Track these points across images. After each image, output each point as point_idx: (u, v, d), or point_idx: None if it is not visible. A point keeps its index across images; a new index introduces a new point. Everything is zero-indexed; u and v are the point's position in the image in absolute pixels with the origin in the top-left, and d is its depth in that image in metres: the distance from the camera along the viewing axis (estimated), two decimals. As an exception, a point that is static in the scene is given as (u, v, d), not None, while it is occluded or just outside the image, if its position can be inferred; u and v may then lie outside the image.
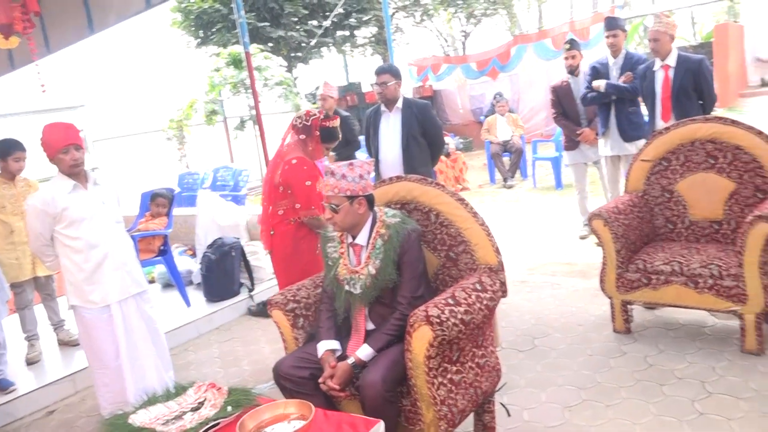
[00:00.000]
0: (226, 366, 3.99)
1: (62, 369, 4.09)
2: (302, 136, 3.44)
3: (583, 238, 5.59)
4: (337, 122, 3.49)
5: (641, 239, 3.60)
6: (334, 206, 2.49)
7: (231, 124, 11.51)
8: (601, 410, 2.78)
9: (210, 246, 5.04)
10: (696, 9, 20.56)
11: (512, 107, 10.82)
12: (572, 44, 5.51)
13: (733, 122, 3.42)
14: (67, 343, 4.44)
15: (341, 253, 2.63)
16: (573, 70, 5.45)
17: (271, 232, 3.50)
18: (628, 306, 3.51)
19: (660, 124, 4.29)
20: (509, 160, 9.26)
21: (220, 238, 5.06)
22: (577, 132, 5.45)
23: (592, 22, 12.91)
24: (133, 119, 11.89)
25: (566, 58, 5.50)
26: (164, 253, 4.89)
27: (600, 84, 4.87)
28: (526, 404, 2.93)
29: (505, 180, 9.09)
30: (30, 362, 4.20)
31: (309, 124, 3.40)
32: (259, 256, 5.27)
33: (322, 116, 3.42)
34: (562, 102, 5.59)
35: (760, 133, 3.31)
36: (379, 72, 4.11)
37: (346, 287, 2.57)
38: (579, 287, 4.37)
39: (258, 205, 9.74)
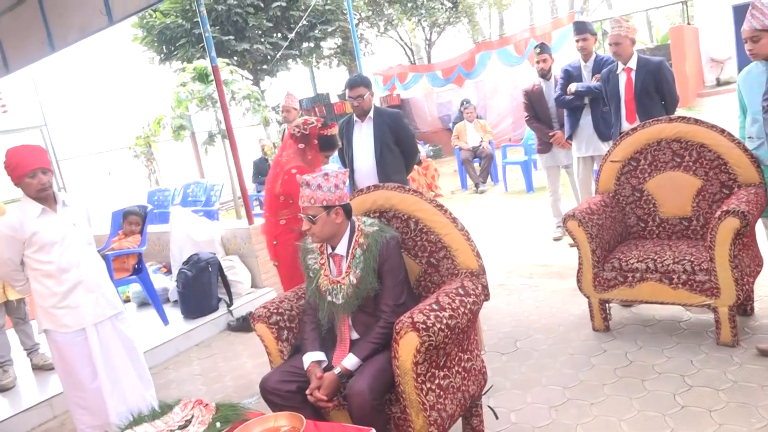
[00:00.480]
0: (208, 383, 3.94)
1: (39, 394, 3.98)
2: (301, 145, 3.49)
3: (557, 239, 5.67)
4: (335, 130, 3.54)
5: (615, 238, 3.68)
6: (311, 217, 2.49)
7: (199, 139, 11.40)
8: (586, 408, 2.83)
9: (186, 262, 4.98)
10: (651, 12, 21.18)
11: (479, 113, 10.95)
12: (543, 48, 5.58)
13: (697, 121, 3.52)
14: (41, 368, 4.33)
15: (322, 264, 2.63)
16: (545, 74, 5.50)
17: (274, 242, 3.57)
18: (606, 304, 3.58)
19: (625, 125, 4.39)
20: (479, 166, 9.37)
21: (196, 254, 5.00)
22: (550, 134, 5.53)
23: (553, 28, 13.17)
24: (98, 137, 11.69)
25: (537, 62, 5.55)
26: (139, 271, 4.81)
27: (571, 87, 4.96)
28: (513, 406, 2.96)
29: (476, 186, 9.19)
30: (3, 389, 4.08)
31: (307, 132, 3.46)
32: (237, 271, 5.22)
33: (319, 125, 3.47)
34: (534, 105, 5.64)
35: (722, 131, 3.42)
36: (354, 85, 4.09)
37: (329, 298, 2.58)
38: (557, 288, 4.44)
39: (231, 219, 9.68)
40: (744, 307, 3.44)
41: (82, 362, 3.06)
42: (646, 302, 3.42)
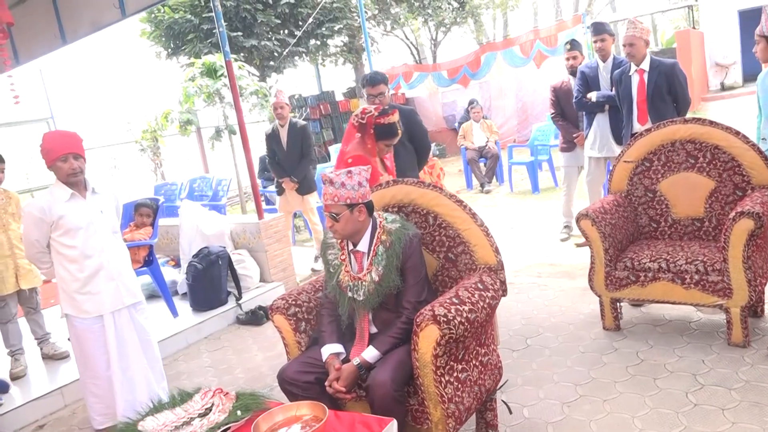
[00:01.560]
0: (219, 374, 3.96)
1: (49, 383, 4.00)
2: (358, 135, 3.41)
3: (563, 240, 5.67)
4: (394, 117, 3.32)
5: (627, 238, 3.70)
6: (334, 215, 2.50)
7: (205, 134, 11.42)
8: (599, 405, 2.85)
9: (196, 255, 5.00)
10: (656, 16, 21.22)
11: (485, 114, 10.98)
12: (573, 45, 5.48)
13: (711, 123, 3.55)
14: (51, 357, 4.35)
15: (342, 259, 2.65)
16: (574, 71, 5.37)
17: None
18: (617, 303, 3.60)
19: (637, 126, 4.43)
20: (485, 166, 9.39)
21: (206, 247, 5.02)
22: (574, 135, 5.47)
23: (558, 30, 13.19)
24: (104, 131, 11.70)
25: (567, 59, 5.47)
26: (150, 263, 4.83)
27: (591, 96, 4.95)
28: (526, 401, 2.98)
29: (482, 185, 9.20)
30: (15, 377, 4.10)
31: (364, 121, 3.32)
32: (246, 265, 5.24)
33: (377, 113, 3.29)
34: (561, 103, 5.57)
35: (737, 134, 3.44)
36: (375, 82, 4.05)
37: (349, 294, 2.59)
38: (565, 287, 4.47)
39: (236, 214, 9.70)
40: (755, 308, 3.46)
41: (99, 350, 3.10)
42: (658, 302, 3.44)
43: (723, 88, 17.02)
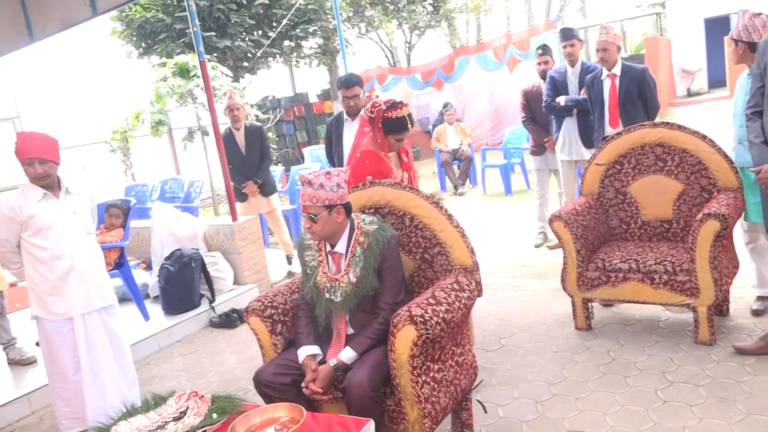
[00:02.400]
0: (192, 378, 3.92)
1: (15, 389, 3.90)
2: (366, 129, 3.32)
3: (537, 246, 5.67)
4: (404, 111, 3.15)
5: (598, 239, 3.77)
6: (312, 216, 2.50)
7: (176, 135, 11.26)
8: (571, 403, 2.90)
9: (168, 258, 4.93)
10: (625, 23, 21.65)
11: (459, 117, 11.07)
12: (545, 50, 5.56)
13: (680, 127, 3.64)
14: (18, 362, 4.24)
15: (320, 261, 2.65)
16: (545, 75, 5.42)
17: None
18: (589, 304, 3.67)
19: (609, 130, 4.51)
20: (459, 168, 9.46)
21: (178, 250, 4.96)
22: (545, 139, 5.53)
23: (530, 35, 13.37)
24: (72, 131, 11.47)
25: (539, 63, 5.54)
26: (121, 266, 4.75)
27: (560, 100, 5.04)
28: (500, 401, 3.02)
29: (455, 188, 9.27)
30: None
31: (373, 115, 3.20)
32: (219, 267, 5.19)
33: (386, 106, 3.15)
34: (532, 106, 5.62)
35: (704, 137, 3.54)
36: (350, 84, 4.08)
37: (327, 295, 2.59)
38: (538, 288, 4.53)
39: (209, 216, 9.60)
40: (720, 307, 3.55)
41: (67, 353, 3.05)
42: (628, 302, 3.52)
43: (689, 93, 17.44)
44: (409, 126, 3.16)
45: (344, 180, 2.55)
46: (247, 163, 5.77)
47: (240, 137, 5.77)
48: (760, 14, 3.05)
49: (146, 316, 4.81)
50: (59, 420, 3.16)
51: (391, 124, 3.14)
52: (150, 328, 4.66)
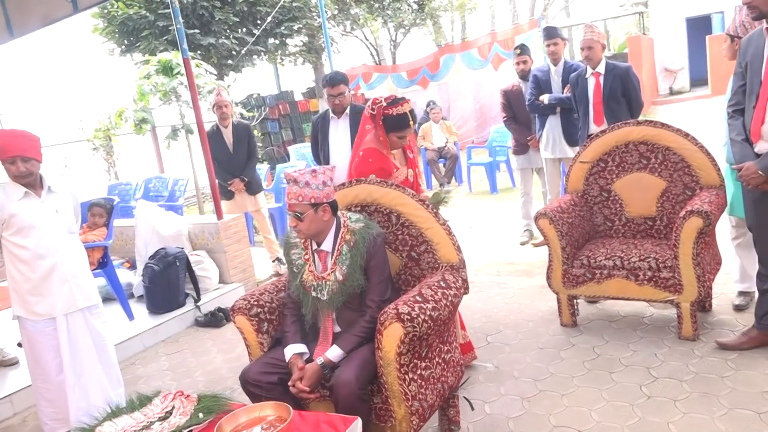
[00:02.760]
0: (178, 378, 3.89)
1: (-3, 391, 3.86)
2: (368, 126, 3.18)
3: (523, 244, 5.70)
4: (405, 108, 3.02)
5: (583, 237, 3.80)
6: (298, 214, 2.49)
7: (160, 133, 11.17)
8: (557, 399, 2.92)
9: (152, 257, 4.89)
10: (608, 22, 21.83)
11: (444, 115, 11.09)
12: (523, 49, 5.60)
13: (663, 125, 3.67)
14: (0, 364, 4.19)
15: (306, 259, 2.64)
16: (524, 75, 5.48)
17: None
18: (574, 300, 3.69)
19: (593, 128, 4.54)
20: (444, 166, 9.48)
21: (163, 249, 4.92)
22: (528, 138, 5.56)
23: (514, 33, 13.42)
24: (54, 129, 11.34)
25: (517, 63, 5.57)
26: (104, 265, 4.70)
27: (544, 98, 5.07)
28: (487, 398, 3.03)
29: (441, 185, 9.28)
30: None
31: (375, 112, 3.08)
32: (205, 266, 5.16)
33: (386, 103, 3.03)
34: (512, 106, 5.64)
35: (687, 135, 3.58)
36: (335, 82, 4.08)
37: (313, 293, 2.59)
38: (524, 285, 4.55)
39: (193, 214, 9.52)
40: (703, 303, 3.60)
41: (50, 353, 3.02)
42: (613, 298, 3.55)
43: (672, 92, 17.63)
44: (411, 123, 3.04)
45: (330, 178, 2.54)
46: (235, 160, 5.73)
47: (228, 134, 5.73)
48: None
49: (130, 316, 4.77)
50: (43, 421, 3.13)
51: (392, 122, 3.03)
52: (134, 328, 4.61)
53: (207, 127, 5.61)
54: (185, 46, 5.24)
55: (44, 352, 3.00)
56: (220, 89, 5.90)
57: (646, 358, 3.19)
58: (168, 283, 4.81)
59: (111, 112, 9.87)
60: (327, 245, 2.58)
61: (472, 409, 2.86)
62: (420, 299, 2.37)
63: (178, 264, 4.83)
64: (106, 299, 5.17)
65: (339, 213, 2.64)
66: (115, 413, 2.33)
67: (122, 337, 4.41)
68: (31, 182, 2.91)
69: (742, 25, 3.13)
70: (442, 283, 2.54)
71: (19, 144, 2.84)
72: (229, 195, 5.77)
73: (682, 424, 2.57)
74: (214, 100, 5.73)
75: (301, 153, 10.06)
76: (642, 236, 3.77)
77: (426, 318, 2.32)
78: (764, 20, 2.67)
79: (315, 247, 2.61)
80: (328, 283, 2.55)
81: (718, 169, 3.48)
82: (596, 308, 3.93)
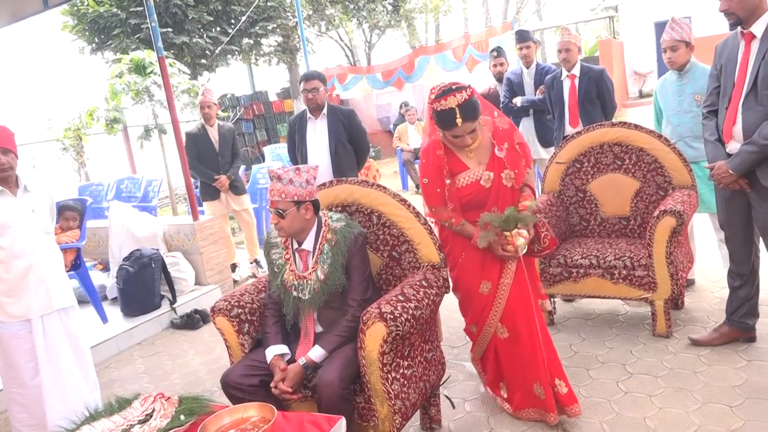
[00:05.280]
0: (155, 381, 3.83)
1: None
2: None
3: None
4: (450, 102, 2.49)
5: (559, 237, 3.84)
6: (280, 211, 2.49)
7: (132, 133, 10.99)
8: (536, 396, 2.95)
9: (127, 258, 4.81)
10: (580, 25, 22.18)
11: (420, 116, 11.14)
12: (499, 52, 5.68)
13: (637, 127, 3.75)
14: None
15: (287, 259, 2.63)
16: (501, 77, 5.54)
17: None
18: (551, 299, 3.74)
19: (569, 129, 4.61)
20: (420, 167, 9.52)
21: (137, 250, 4.85)
22: None
23: (488, 36, 13.55)
24: (21, 128, 11.06)
25: (494, 65, 5.64)
26: (77, 267, 4.61)
27: (516, 101, 5.14)
28: (467, 396, 3.05)
29: (417, 186, 9.33)
30: None
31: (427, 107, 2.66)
32: (180, 268, 5.09)
33: (434, 95, 2.56)
34: None
35: (659, 137, 3.66)
36: (309, 78, 4.13)
37: (294, 293, 2.58)
38: (501, 284, 4.59)
39: (166, 216, 9.40)
40: (676, 300, 3.68)
41: (25, 357, 2.94)
42: (589, 296, 3.61)
43: (641, 95, 17.96)
44: (458, 121, 2.48)
45: (313, 177, 2.54)
46: (221, 160, 5.71)
47: (214, 134, 5.71)
48: None
49: (104, 318, 4.69)
50: (15, 427, 3.05)
51: (439, 118, 2.58)
52: (108, 331, 4.54)
53: (183, 126, 5.56)
54: (160, 44, 5.18)
55: (18, 356, 2.93)
56: (208, 90, 5.88)
57: (621, 354, 3.25)
58: (143, 284, 4.74)
59: (81, 111, 9.67)
60: (308, 244, 2.58)
61: (453, 407, 2.89)
62: (402, 298, 2.38)
63: (153, 265, 4.76)
64: (79, 302, 5.02)
65: (320, 212, 2.63)
66: (93, 417, 2.29)
67: (96, 340, 4.33)
68: (8, 178, 2.84)
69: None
70: (423, 282, 2.56)
71: (0, 136, 2.78)
72: (215, 195, 5.71)
73: (658, 419, 2.63)
74: (200, 100, 5.72)
75: (276, 153, 10.01)
76: (617, 236, 3.85)
77: (409, 317, 2.33)
78: (739, 26, 2.75)
79: (296, 246, 2.61)
80: (309, 282, 2.54)
81: (690, 170, 3.57)
82: (573, 306, 3.99)
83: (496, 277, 2.68)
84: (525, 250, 2.63)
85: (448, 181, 2.64)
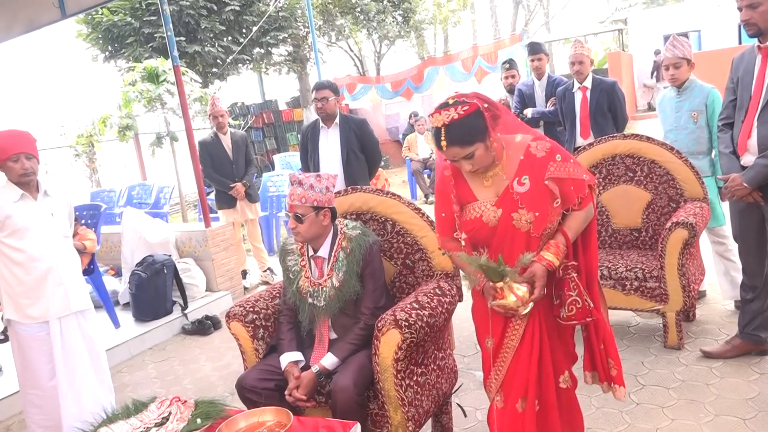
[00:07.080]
0: (166, 386, 3.86)
1: (-20, 399, 3.79)
2: None
3: None
4: (439, 120, 1.98)
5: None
6: (299, 216, 2.52)
7: (143, 141, 11.08)
8: (548, 406, 2.95)
9: (139, 264, 4.86)
10: (589, 38, 22.23)
11: (429, 126, 11.20)
12: (511, 64, 5.71)
13: (648, 139, 3.77)
14: (-17, 372, 4.12)
15: (302, 266, 2.66)
16: (512, 89, 5.56)
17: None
18: (562, 309, 3.74)
19: (580, 141, 4.63)
20: (429, 177, 9.55)
21: (150, 256, 4.89)
22: None
23: (496, 48, 13.62)
24: (35, 134, 11.17)
25: (506, 77, 5.67)
26: (91, 272, 4.65)
27: (527, 112, 5.17)
28: (478, 405, 3.06)
29: (426, 196, 9.36)
30: None
31: None
32: (192, 274, 5.14)
33: (451, 102, 2.00)
34: None
35: (671, 149, 3.67)
36: (319, 87, 4.18)
37: (309, 299, 2.61)
38: (511, 295, 4.60)
39: (177, 222, 9.46)
40: (688, 313, 3.68)
41: (42, 358, 2.98)
42: (600, 307, 3.60)
43: (650, 107, 17.96)
44: (443, 143, 1.97)
45: (333, 184, 2.58)
46: (236, 167, 5.76)
47: (227, 141, 5.76)
48: None
49: (116, 323, 4.72)
50: (31, 428, 3.08)
51: (433, 135, 2.08)
52: (121, 336, 4.57)
53: (196, 135, 5.62)
54: (176, 53, 5.25)
55: (36, 358, 2.97)
56: (217, 98, 5.92)
57: (633, 366, 3.25)
58: (155, 290, 4.78)
59: (94, 118, 9.77)
60: (324, 251, 2.60)
61: (465, 415, 2.89)
62: (417, 306, 2.41)
63: (165, 271, 4.81)
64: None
65: (336, 220, 2.66)
66: (110, 419, 2.32)
67: (109, 345, 4.34)
68: (31, 182, 2.90)
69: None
70: (437, 290, 2.58)
71: (24, 141, 2.86)
72: (231, 203, 5.73)
73: (670, 430, 2.63)
74: (210, 110, 5.76)
75: (286, 162, 10.07)
76: (628, 247, 3.85)
77: (423, 324, 2.36)
78: (757, 38, 2.77)
79: (311, 253, 2.64)
80: (324, 289, 2.57)
81: (702, 182, 3.58)
82: (583, 317, 3.98)
83: (499, 335, 2.17)
84: (527, 310, 2.03)
85: (456, 207, 2.09)
